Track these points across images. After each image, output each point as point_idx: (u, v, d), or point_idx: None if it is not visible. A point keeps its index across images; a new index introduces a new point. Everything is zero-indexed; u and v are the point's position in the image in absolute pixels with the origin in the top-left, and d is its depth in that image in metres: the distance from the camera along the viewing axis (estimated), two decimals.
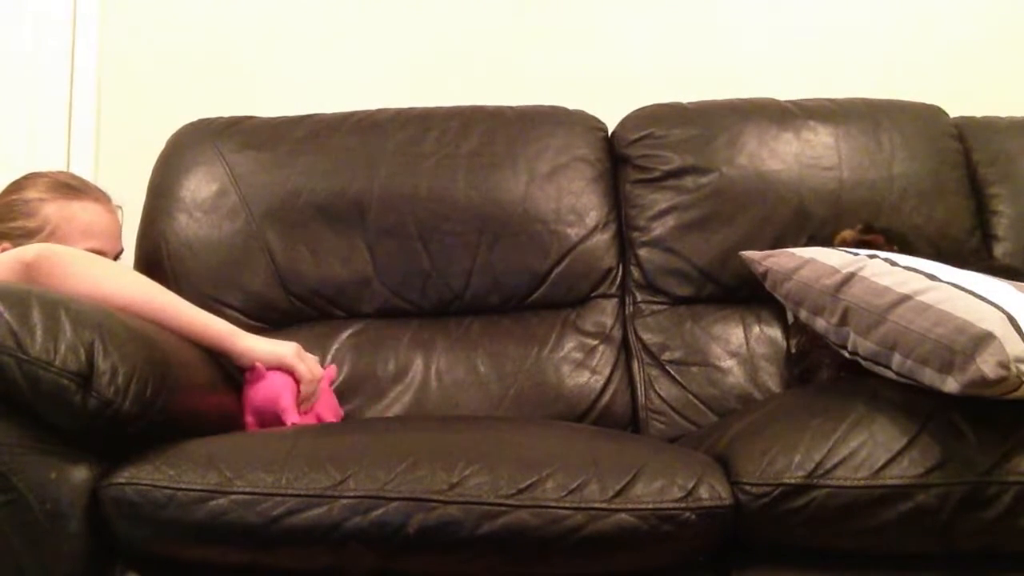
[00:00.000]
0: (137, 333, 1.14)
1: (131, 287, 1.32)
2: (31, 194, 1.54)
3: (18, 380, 1.01)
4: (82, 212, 1.54)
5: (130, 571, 1.08)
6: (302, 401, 1.36)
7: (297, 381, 1.36)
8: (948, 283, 1.17)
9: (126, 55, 2.12)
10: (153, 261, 1.68)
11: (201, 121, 1.80)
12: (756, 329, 1.65)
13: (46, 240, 1.50)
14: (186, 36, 2.13)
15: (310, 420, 1.39)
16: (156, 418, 1.09)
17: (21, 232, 1.51)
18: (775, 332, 1.64)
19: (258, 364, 1.34)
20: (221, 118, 1.81)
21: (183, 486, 1.04)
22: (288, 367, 1.35)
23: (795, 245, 1.63)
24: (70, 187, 1.57)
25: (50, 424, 1.04)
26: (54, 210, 1.52)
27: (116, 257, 1.60)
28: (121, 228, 1.63)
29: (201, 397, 1.25)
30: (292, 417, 1.33)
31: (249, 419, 1.35)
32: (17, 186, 1.56)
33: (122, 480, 1.05)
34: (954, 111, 1.84)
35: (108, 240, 1.57)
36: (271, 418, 1.33)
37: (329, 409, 1.45)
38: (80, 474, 1.05)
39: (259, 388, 1.34)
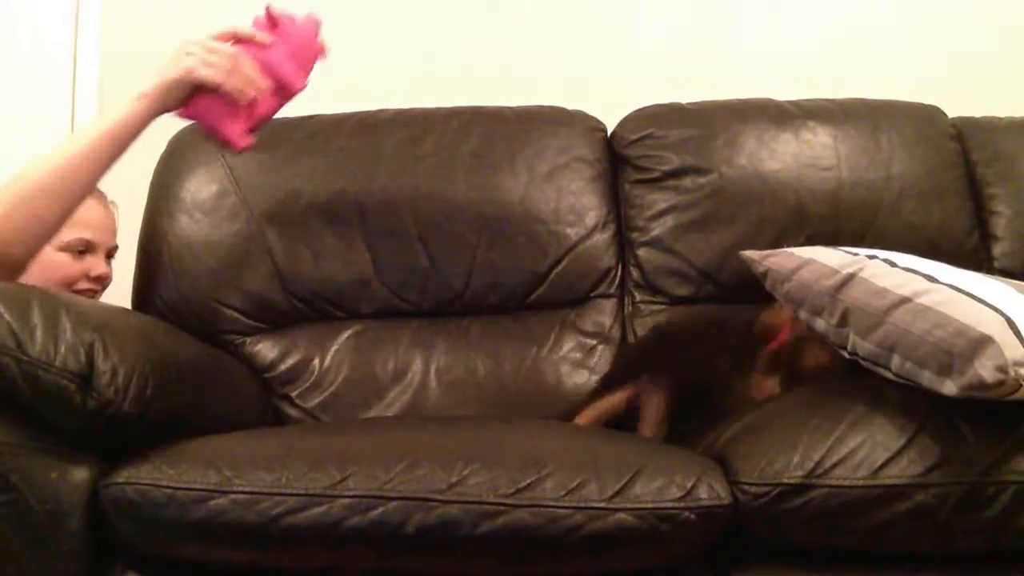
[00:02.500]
0: (137, 333, 1.15)
1: (47, 162, 1.23)
2: None
3: (18, 380, 1.01)
4: None
5: (130, 571, 1.08)
6: (240, 92, 1.19)
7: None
8: (947, 285, 1.17)
9: (127, 55, 2.11)
10: (154, 262, 1.68)
11: None
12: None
13: None
14: (187, 36, 2.12)
15: (273, 101, 1.24)
16: (156, 418, 1.10)
17: None
18: None
19: (182, 114, 1.22)
20: None
21: (183, 485, 1.04)
22: (193, 85, 1.20)
23: (794, 245, 1.63)
24: None
25: (50, 424, 1.04)
26: None
27: (110, 253, 1.61)
28: (115, 225, 1.64)
29: (202, 397, 1.26)
30: (240, 139, 1.19)
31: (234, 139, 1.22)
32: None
33: (122, 480, 1.05)
34: (953, 111, 1.84)
35: (100, 231, 1.58)
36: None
37: (291, 58, 1.26)
38: (80, 474, 1.06)
39: (201, 122, 1.20)
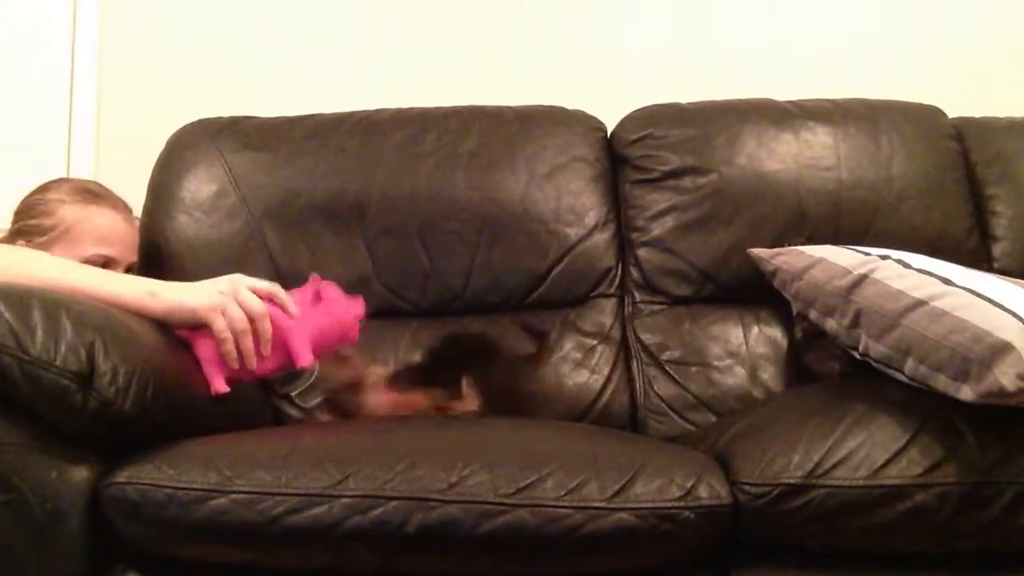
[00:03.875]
0: (138, 333, 1.14)
1: (46, 271, 1.22)
2: (52, 195, 1.56)
3: (19, 380, 1.01)
4: (98, 216, 1.55)
5: (130, 571, 1.08)
6: (231, 356, 1.21)
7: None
8: (963, 288, 1.16)
9: (126, 55, 2.12)
10: (153, 261, 1.68)
11: (201, 121, 1.80)
12: (755, 329, 1.65)
13: (59, 239, 1.51)
14: (186, 36, 2.13)
15: (270, 363, 1.25)
16: (157, 418, 1.09)
17: (37, 230, 1.52)
18: (774, 332, 1.65)
19: (179, 332, 1.23)
20: (221, 118, 1.81)
21: (183, 485, 1.04)
22: (203, 322, 1.21)
23: (795, 245, 1.64)
24: (91, 192, 1.59)
25: (51, 424, 1.04)
26: (71, 212, 1.53)
27: (129, 268, 1.59)
28: (136, 241, 1.63)
29: (203, 397, 1.25)
30: (217, 383, 1.21)
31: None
32: (43, 187, 1.59)
33: (122, 479, 1.05)
34: (953, 112, 1.84)
35: (121, 248, 1.57)
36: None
37: (316, 334, 1.26)
38: (81, 474, 1.05)
39: (196, 353, 1.22)
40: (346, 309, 1.30)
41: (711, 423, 1.53)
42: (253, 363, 1.23)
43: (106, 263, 1.53)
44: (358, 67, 2.12)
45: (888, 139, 1.74)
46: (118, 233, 1.57)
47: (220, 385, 1.23)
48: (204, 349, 1.23)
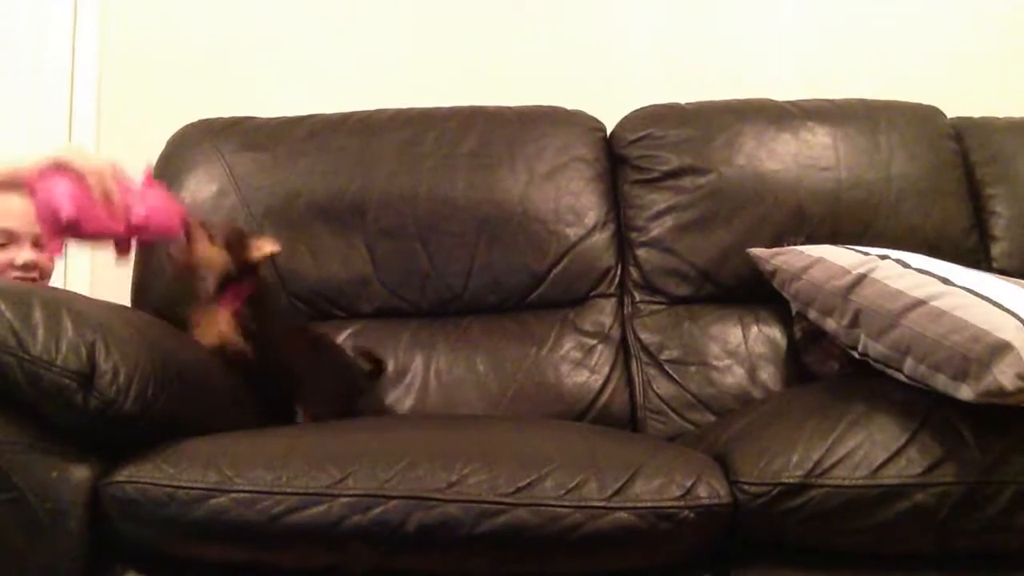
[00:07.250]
0: (138, 332, 1.15)
1: None
2: None
3: (19, 379, 1.01)
4: None
5: (130, 569, 1.09)
6: (99, 198, 1.26)
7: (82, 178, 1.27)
8: (962, 288, 1.16)
9: (126, 55, 2.12)
10: (153, 261, 1.68)
11: (201, 121, 1.81)
12: (754, 329, 1.65)
13: None
14: (186, 36, 2.13)
15: (116, 223, 1.30)
16: (157, 417, 1.10)
17: None
18: (773, 332, 1.65)
19: (31, 178, 1.27)
20: (221, 118, 1.81)
21: (183, 484, 1.04)
22: (63, 164, 1.27)
23: (793, 245, 1.64)
24: None
25: (51, 423, 1.05)
26: None
27: (38, 242, 1.60)
28: None
29: (202, 396, 1.26)
30: (67, 211, 1.24)
31: (50, 238, 1.29)
32: None
33: (123, 478, 1.05)
34: (953, 112, 1.84)
35: (23, 222, 1.58)
36: (57, 224, 1.27)
37: (150, 207, 1.35)
38: (81, 473, 1.06)
39: (38, 199, 1.27)
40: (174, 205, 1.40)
41: (710, 423, 1.53)
42: (116, 197, 1.27)
43: (8, 238, 1.57)
44: (358, 67, 2.12)
45: (887, 139, 1.75)
46: (14, 207, 1.56)
47: (72, 211, 1.24)
48: (71, 184, 1.25)
